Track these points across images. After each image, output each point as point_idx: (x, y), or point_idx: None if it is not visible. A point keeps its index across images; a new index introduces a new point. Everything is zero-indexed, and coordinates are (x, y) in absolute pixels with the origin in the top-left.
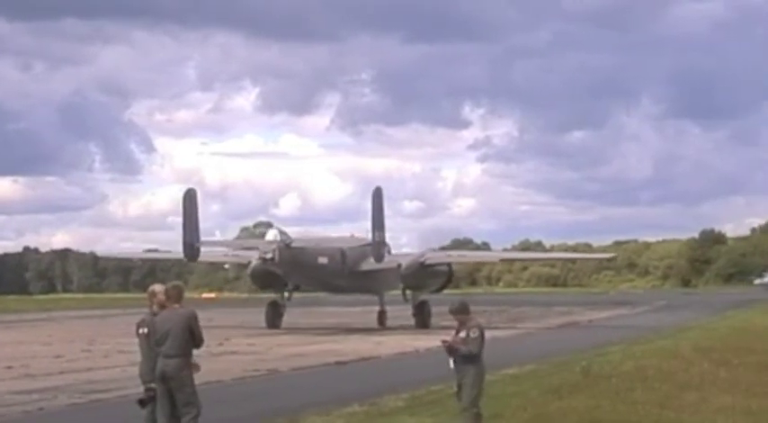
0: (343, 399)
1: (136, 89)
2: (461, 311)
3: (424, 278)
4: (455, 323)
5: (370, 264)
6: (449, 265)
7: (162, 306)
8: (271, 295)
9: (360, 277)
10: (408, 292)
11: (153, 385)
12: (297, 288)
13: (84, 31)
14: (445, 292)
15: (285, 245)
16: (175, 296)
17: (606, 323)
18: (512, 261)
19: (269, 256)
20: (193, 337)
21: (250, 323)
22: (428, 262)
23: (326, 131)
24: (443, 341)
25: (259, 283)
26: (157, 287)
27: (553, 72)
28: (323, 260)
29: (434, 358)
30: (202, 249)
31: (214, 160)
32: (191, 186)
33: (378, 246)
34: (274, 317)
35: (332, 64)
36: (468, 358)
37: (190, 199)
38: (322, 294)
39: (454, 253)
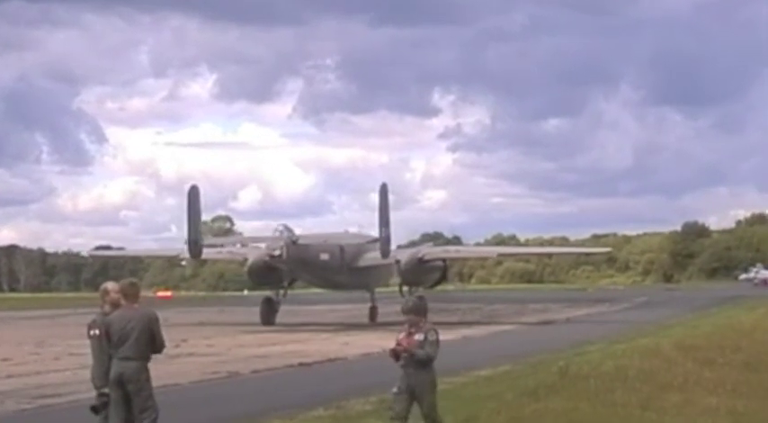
0: (308, 402)
1: (86, 75)
2: (419, 312)
3: (422, 274)
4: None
5: (367, 260)
6: (444, 260)
7: (115, 305)
8: (258, 293)
9: (358, 273)
10: (405, 288)
11: (106, 390)
12: (291, 285)
13: (30, 14)
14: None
15: (292, 242)
16: (133, 294)
17: (585, 321)
18: (509, 256)
19: (277, 252)
20: (154, 341)
21: (211, 321)
22: (426, 257)
23: (288, 120)
24: (398, 345)
25: (256, 279)
26: (110, 285)
27: (528, 57)
28: (324, 256)
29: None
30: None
31: (169, 151)
32: (194, 183)
33: (385, 242)
34: (269, 313)
35: (294, 49)
36: (422, 363)
37: (194, 196)
38: (319, 291)
39: (451, 248)
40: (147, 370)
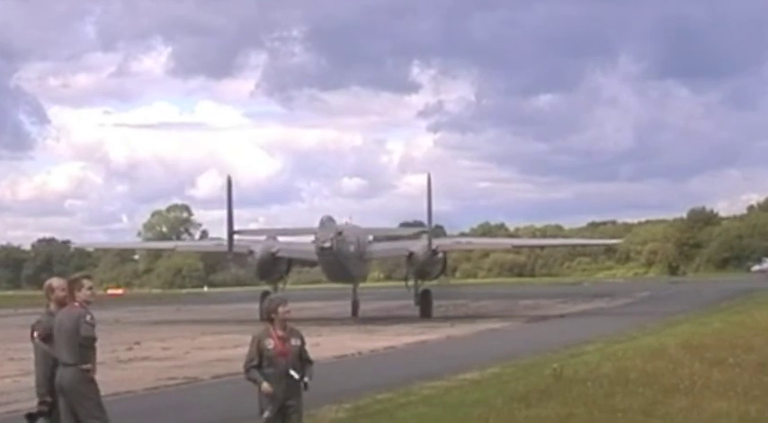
0: None
1: (25, 49)
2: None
3: (432, 266)
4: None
5: (375, 252)
6: (444, 252)
7: (61, 304)
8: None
9: (363, 265)
10: (410, 282)
11: (48, 399)
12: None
13: None
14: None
15: (338, 233)
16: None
17: (581, 318)
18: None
19: (327, 244)
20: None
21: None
22: (440, 249)
23: (251, 98)
24: (282, 354)
25: (261, 272)
26: (55, 281)
27: (516, 26)
28: (352, 248)
29: (379, 362)
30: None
31: (119, 133)
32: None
33: (430, 234)
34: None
35: (257, 18)
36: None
37: (229, 186)
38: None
39: (463, 240)
40: (83, 375)
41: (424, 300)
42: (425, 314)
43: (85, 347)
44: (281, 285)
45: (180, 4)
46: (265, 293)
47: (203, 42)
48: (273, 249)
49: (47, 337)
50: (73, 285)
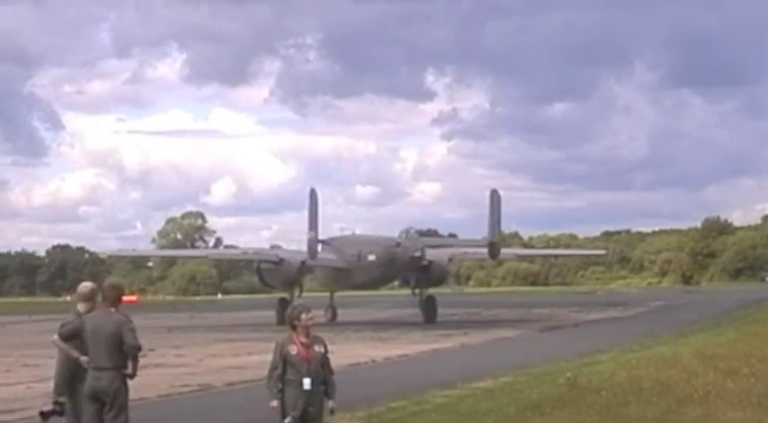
0: None
1: (39, 55)
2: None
3: (423, 272)
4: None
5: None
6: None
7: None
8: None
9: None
10: (417, 288)
11: (62, 399)
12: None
13: None
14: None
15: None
16: (112, 298)
17: (594, 327)
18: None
19: (417, 254)
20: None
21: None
22: (454, 258)
23: (265, 105)
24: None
25: (291, 281)
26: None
27: (531, 33)
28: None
29: (393, 370)
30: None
31: (133, 140)
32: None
33: (494, 245)
34: (283, 313)
35: (271, 25)
36: (321, 381)
37: (313, 197)
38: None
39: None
40: (121, 380)
41: (430, 306)
42: (430, 320)
43: (131, 356)
44: (296, 293)
45: (194, 11)
46: (282, 300)
47: (218, 49)
48: (302, 258)
49: (67, 337)
50: (117, 293)
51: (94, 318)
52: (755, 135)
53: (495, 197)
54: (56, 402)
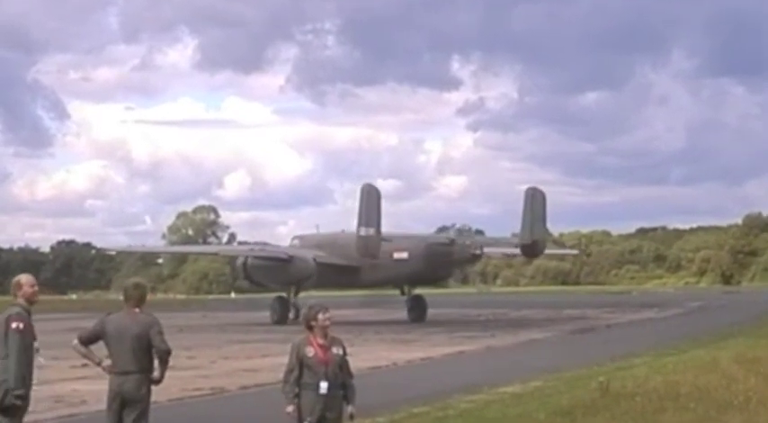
0: None
1: (44, 41)
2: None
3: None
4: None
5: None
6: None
7: (29, 301)
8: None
9: None
10: (407, 286)
11: (19, 392)
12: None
13: None
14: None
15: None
16: (136, 298)
17: (629, 329)
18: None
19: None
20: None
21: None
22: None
23: (281, 93)
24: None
25: (304, 279)
26: (24, 277)
27: (562, 19)
28: None
29: (415, 373)
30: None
31: (142, 130)
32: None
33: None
34: (282, 312)
35: (288, 9)
36: (339, 385)
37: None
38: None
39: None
40: (147, 384)
41: (418, 305)
42: (418, 320)
43: (161, 360)
44: (293, 292)
45: None
46: (280, 299)
47: (231, 34)
48: (313, 255)
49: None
50: (141, 293)
51: (118, 319)
52: None
53: (536, 195)
54: (17, 396)
